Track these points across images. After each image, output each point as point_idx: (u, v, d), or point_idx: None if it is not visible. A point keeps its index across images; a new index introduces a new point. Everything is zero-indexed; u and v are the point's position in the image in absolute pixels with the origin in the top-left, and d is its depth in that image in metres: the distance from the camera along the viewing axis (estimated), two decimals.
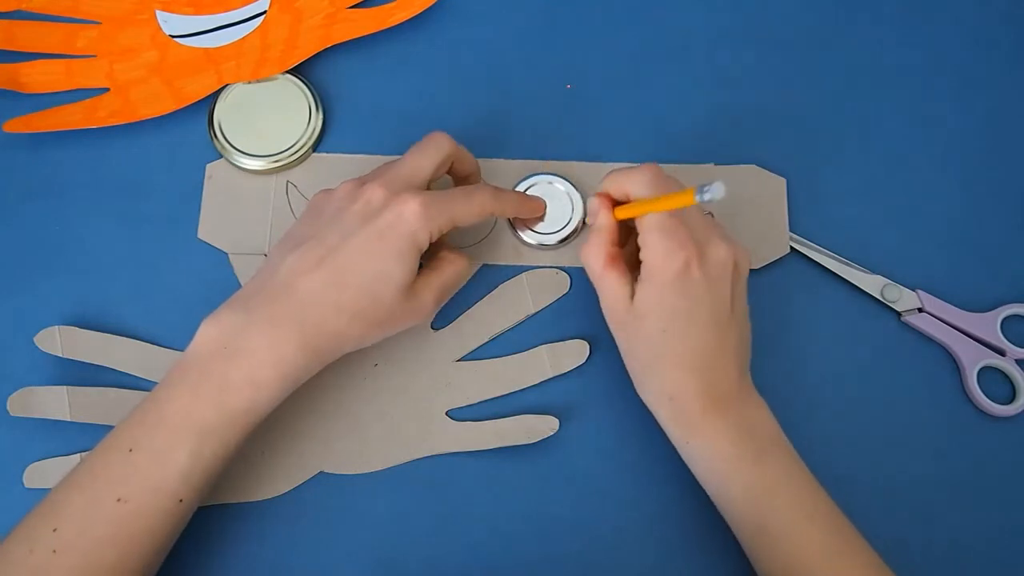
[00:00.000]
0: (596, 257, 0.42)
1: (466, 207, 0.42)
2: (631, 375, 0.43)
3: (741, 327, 0.42)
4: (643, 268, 0.41)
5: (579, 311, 0.49)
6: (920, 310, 0.48)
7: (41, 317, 0.48)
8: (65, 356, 0.47)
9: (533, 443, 0.46)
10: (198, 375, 0.39)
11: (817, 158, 0.52)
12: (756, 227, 0.50)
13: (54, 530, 0.37)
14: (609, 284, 0.42)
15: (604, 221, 0.42)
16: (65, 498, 0.38)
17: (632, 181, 0.41)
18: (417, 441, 0.47)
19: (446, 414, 0.47)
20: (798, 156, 0.51)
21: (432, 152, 0.43)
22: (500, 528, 0.46)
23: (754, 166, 0.51)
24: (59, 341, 0.47)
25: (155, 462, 0.38)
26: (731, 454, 0.41)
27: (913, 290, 0.49)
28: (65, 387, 0.47)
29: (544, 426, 0.46)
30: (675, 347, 0.41)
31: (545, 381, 0.47)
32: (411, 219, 0.40)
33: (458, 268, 0.44)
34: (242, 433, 0.40)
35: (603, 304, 0.43)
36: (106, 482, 0.38)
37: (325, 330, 0.40)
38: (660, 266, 0.40)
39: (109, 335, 0.48)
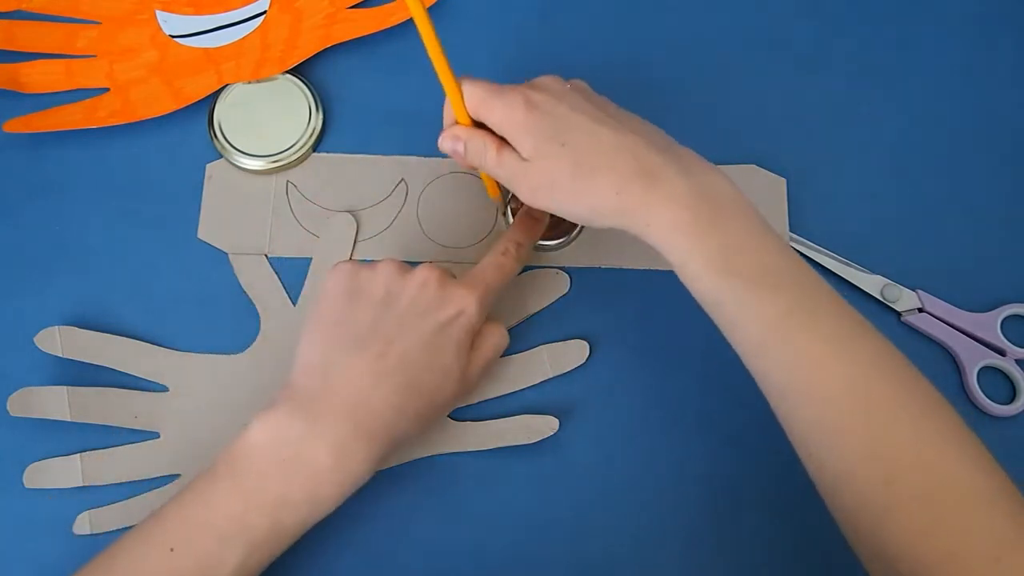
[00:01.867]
0: (487, 150, 0.41)
1: (503, 278, 0.44)
2: (562, 201, 0.40)
3: (631, 120, 0.41)
4: (504, 133, 0.40)
5: (579, 311, 0.49)
6: (920, 310, 0.48)
7: (41, 317, 0.48)
8: (65, 356, 0.47)
9: (533, 443, 0.46)
10: (253, 483, 0.37)
11: (817, 158, 0.52)
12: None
13: None
14: (507, 160, 0.40)
15: (461, 131, 0.42)
16: None
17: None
18: (417, 441, 0.46)
19: (447, 414, 0.47)
20: (798, 156, 0.51)
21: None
22: (500, 528, 0.46)
23: (754, 166, 0.51)
24: (59, 341, 0.47)
25: (200, 566, 0.37)
26: (685, 220, 0.37)
27: (913, 290, 0.49)
28: (65, 387, 0.47)
29: (544, 426, 0.46)
30: (581, 149, 0.39)
31: (545, 381, 0.47)
32: (472, 316, 0.41)
33: (498, 341, 0.44)
34: (292, 542, 0.38)
35: (517, 187, 0.41)
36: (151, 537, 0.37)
37: (389, 436, 0.39)
38: (511, 115, 0.40)
39: (109, 335, 0.48)
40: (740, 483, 0.45)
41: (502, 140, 0.41)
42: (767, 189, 0.50)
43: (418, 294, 0.41)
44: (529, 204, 0.41)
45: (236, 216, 0.50)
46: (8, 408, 0.46)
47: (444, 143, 0.42)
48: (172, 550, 0.37)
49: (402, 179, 0.51)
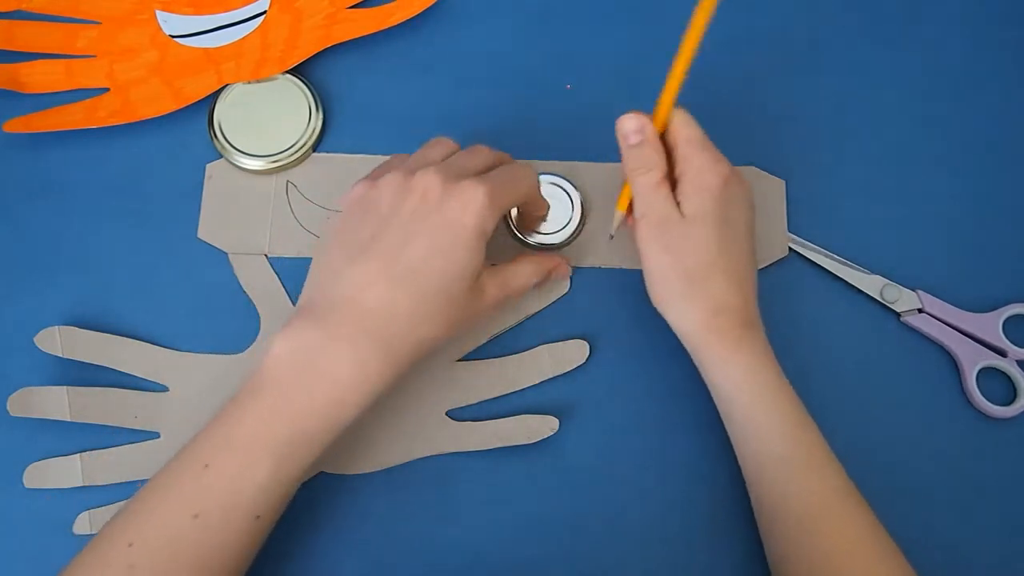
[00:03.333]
0: (652, 170, 0.41)
1: (519, 187, 0.42)
2: (664, 300, 0.43)
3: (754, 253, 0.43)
4: (686, 181, 0.41)
5: (579, 311, 0.49)
6: (920, 311, 0.48)
7: (41, 317, 0.48)
8: (65, 356, 0.47)
9: (533, 443, 0.46)
10: (276, 396, 0.38)
11: (817, 158, 0.52)
12: (756, 228, 0.49)
13: (129, 545, 0.37)
14: (664, 196, 0.41)
15: (651, 133, 0.42)
16: (139, 514, 0.38)
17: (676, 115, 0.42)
18: (417, 441, 0.46)
19: (446, 414, 0.47)
20: (798, 156, 0.51)
21: (483, 156, 0.43)
22: (500, 528, 0.46)
23: (753, 167, 0.51)
24: (59, 341, 0.47)
25: (232, 481, 0.37)
26: (773, 375, 0.41)
27: (913, 290, 0.49)
28: (65, 387, 0.47)
29: (544, 426, 0.46)
30: (726, 257, 0.41)
31: (545, 381, 0.47)
32: (480, 208, 0.39)
33: (521, 265, 0.44)
34: (321, 450, 0.39)
35: (649, 221, 0.41)
36: (180, 499, 0.37)
37: (407, 341, 0.39)
38: (708, 177, 0.41)
39: (109, 335, 0.48)
40: (739, 483, 0.45)
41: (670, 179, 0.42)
42: (766, 191, 0.50)
43: (422, 197, 0.39)
44: (640, 250, 0.42)
45: (236, 216, 0.50)
46: (8, 408, 0.46)
47: (629, 122, 0.42)
48: (206, 466, 0.37)
49: None
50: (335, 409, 0.38)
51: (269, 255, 0.50)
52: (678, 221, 0.41)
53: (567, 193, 0.50)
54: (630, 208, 0.45)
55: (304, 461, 0.38)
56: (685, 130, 0.41)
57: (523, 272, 0.43)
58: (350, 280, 0.39)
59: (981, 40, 0.54)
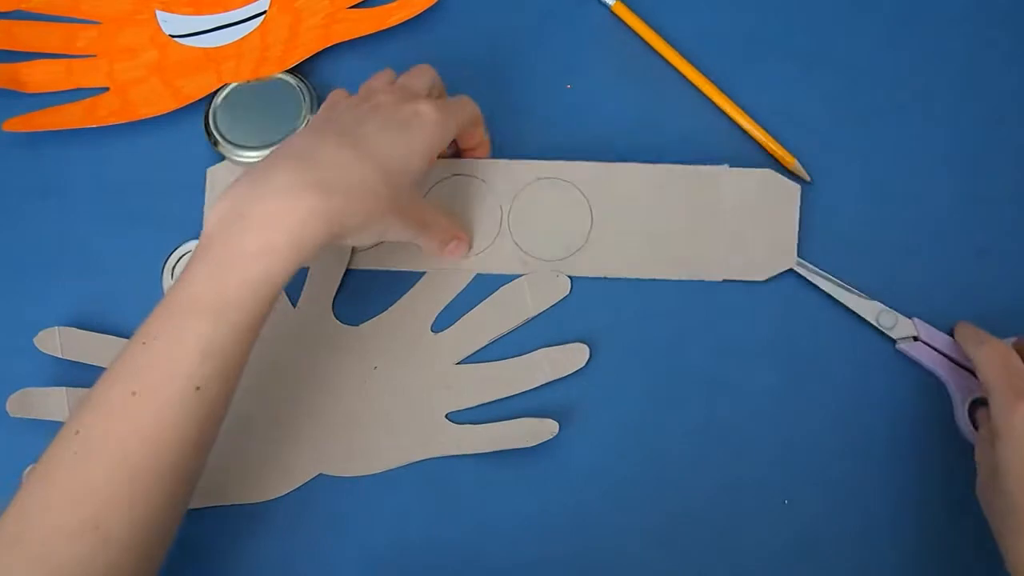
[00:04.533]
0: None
1: (465, 108, 0.45)
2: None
3: None
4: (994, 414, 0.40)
5: (579, 314, 0.49)
6: (915, 339, 0.47)
7: (40, 317, 0.48)
8: (64, 357, 0.47)
9: (533, 446, 0.46)
10: (212, 251, 0.37)
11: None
12: (766, 234, 0.48)
13: (76, 432, 0.36)
14: None
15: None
16: (86, 400, 0.37)
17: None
18: (417, 444, 0.46)
19: (446, 417, 0.47)
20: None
21: (429, 75, 0.45)
22: (499, 531, 0.46)
23: (770, 170, 0.49)
24: (59, 342, 0.47)
25: (170, 348, 0.36)
26: None
27: (909, 318, 0.47)
28: (65, 388, 0.47)
29: (544, 429, 0.46)
30: None
31: (545, 384, 0.47)
32: (430, 117, 0.41)
33: (443, 224, 0.46)
34: (259, 307, 0.37)
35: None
36: (122, 377, 0.36)
37: (346, 200, 0.38)
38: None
39: (109, 336, 0.48)
40: (740, 486, 0.45)
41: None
42: (780, 194, 0.49)
43: (375, 105, 0.42)
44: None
45: None
46: (7, 409, 0.46)
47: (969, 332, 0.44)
48: (144, 343, 0.36)
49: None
50: (267, 258, 0.36)
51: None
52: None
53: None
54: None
55: (242, 320, 0.36)
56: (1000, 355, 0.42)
57: (438, 223, 0.45)
58: (299, 142, 0.40)
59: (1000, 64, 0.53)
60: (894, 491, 0.46)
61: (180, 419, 0.36)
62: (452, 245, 0.47)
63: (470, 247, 0.48)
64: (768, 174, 0.49)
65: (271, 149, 0.50)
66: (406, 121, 0.41)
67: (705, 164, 0.50)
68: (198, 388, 0.36)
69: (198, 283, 0.37)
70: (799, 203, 0.49)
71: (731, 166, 0.49)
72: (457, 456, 0.46)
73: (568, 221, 0.49)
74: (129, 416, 0.36)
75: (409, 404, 0.47)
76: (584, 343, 0.47)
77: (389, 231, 0.41)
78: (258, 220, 0.37)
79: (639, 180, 0.49)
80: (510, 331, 0.48)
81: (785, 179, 0.49)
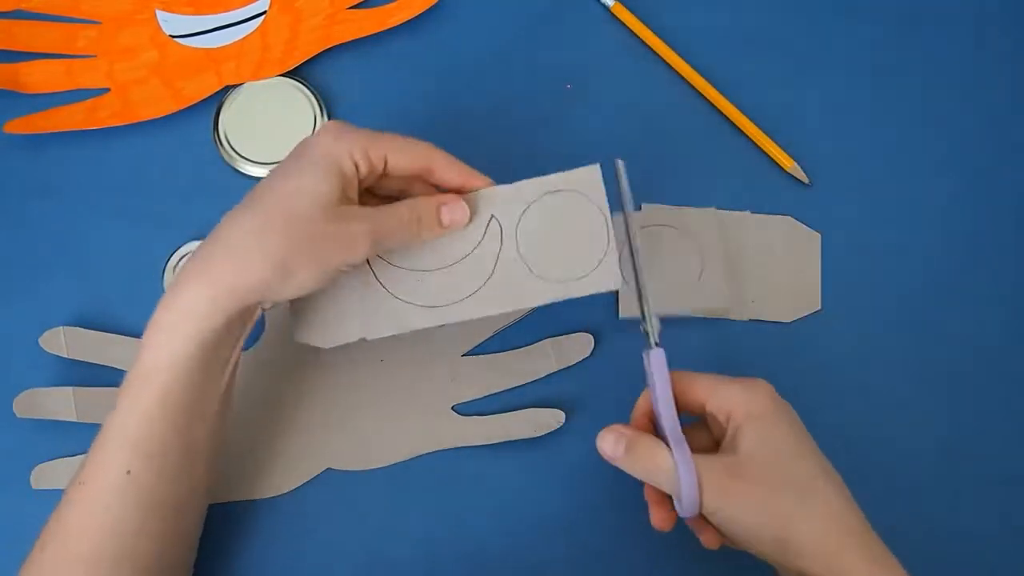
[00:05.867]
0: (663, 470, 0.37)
1: (382, 136, 0.40)
2: (755, 539, 0.36)
3: None
4: (736, 413, 0.38)
5: (584, 304, 0.49)
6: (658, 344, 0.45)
7: (42, 317, 0.48)
8: (69, 357, 0.47)
9: (536, 438, 0.46)
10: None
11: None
12: (788, 280, 0.50)
13: (46, 524, 0.38)
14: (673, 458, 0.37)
15: (629, 440, 0.38)
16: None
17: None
18: (423, 436, 0.47)
19: (452, 408, 0.47)
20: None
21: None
22: (506, 522, 0.46)
23: (790, 218, 0.51)
24: (64, 342, 0.47)
25: (103, 437, 0.37)
26: None
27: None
28: (71, 388, 0.46)
29: (551, 419, 0.46)
30: (820, 465, 0.37)
31: (550, 375, 0.48)
32: (323, 139, 0.39)
33: (402, 212, 0.40)
34: (161, 388, 0.37)
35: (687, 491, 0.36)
36: (81, 469, 0.38)
37: (238, 260, 0.37)
38: (756, 399, 0.38)
39: (113, 335, 0.48)
40: None
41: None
42: (802, 243, 0.50)
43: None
44: (715, 504, 0.36)
45: (324, 305, 0.44)
46: (14, 410, 0.46)
47: (605, 444, 0.39)
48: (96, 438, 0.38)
49: (492, 216, 0.43)
50: (164, 337, 0.37)
51: (368, 339, 0.43)
52: (735, 460, 0.37)
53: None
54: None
55: (150, 400, 0.37)
56: (705, 386, 0.39)
57: (395, 213, 0.40)
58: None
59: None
60: (897, 491, 0.47)
61: (117, 506, 0.37)
62: (444, 216, 0.42)
63: (465, 209, 0.42)
64: (787, 221, 0.51)
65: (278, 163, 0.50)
66: (296, 156, 0.39)
67: (701, 166, 0.51)
68: (128, 472, 0.37)
69: (130, 376, 0.38)
70: (820, 249, 0.50)
71: (729, 170, 0.51)
72: (460, 449, 0.47)
73: (596, 239, 0.44)
74: (74, 510, 0.37)
75: (415, 397, 0.47)
76: (589, 333, 0.48)
77: (322, 263, 0.38)
78: (165, 307, 0.37)
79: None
80: (515, 322, 0.49)
81: (804, 227, 0.51)
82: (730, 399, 0.38)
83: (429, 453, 0.47)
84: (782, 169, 0.52)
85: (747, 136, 0.52)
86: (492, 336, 0.49)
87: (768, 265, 0.50)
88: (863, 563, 0.35)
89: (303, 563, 0.46)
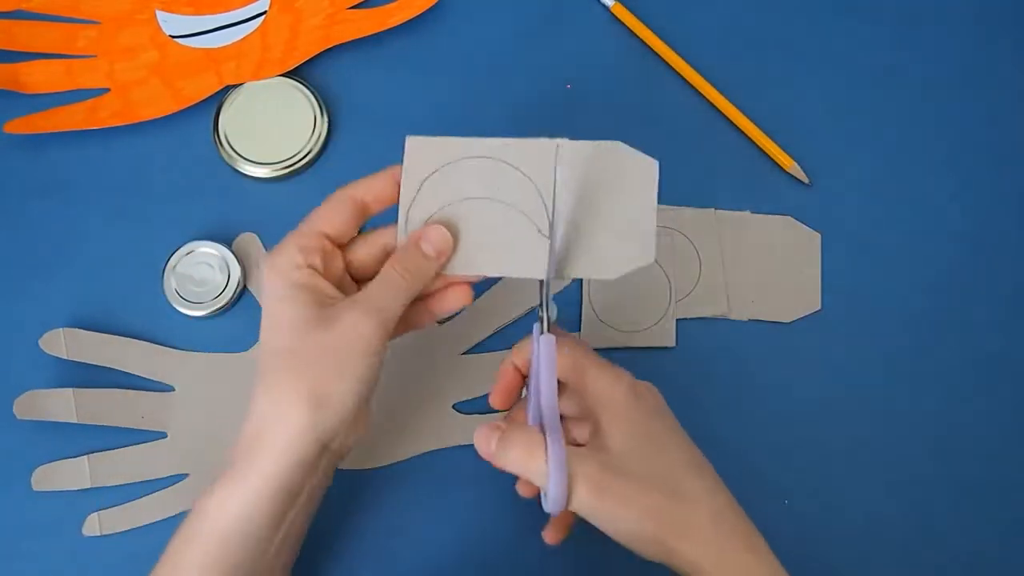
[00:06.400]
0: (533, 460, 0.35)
1: (326, 210, 0.38)
2: (635, 539, 0.36)
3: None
4: (600, 405, 0.37)
5: (583, 303, 0.50)
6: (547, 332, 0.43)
7: (42, 317, 0.48)
8: (70, 358, 0.47)
9: None
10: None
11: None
12: (788, 280, 0.50)
13: None
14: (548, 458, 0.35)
15: (505, 436, 0.36)
16: None
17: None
18: (424, 435, 0.47)
19: (453, 407, 0.47)
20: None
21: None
22: (507, 522, 0.46)
23: (790, 218, 0.51)
24: (64, 343, 0.47)
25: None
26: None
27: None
28: (71, 389, 0.46)
29: None
30: (691, 458, 0.37)
31: None
32: (267, 274, 0.37)
33: (390, 274, 0.37)
34: (204, 558, 0.35)
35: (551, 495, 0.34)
36: None
37: (267, 427, 0.35)
38: (624, 392, 0.37)
39: (113, 336, 0.48)
40: (742, 479, 0.46)
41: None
42: (802, 242, 0.50)
43: None
44: (591, 503, 0.35)
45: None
46: (14, 411, 0.46)
47: (480, 443, 0.36)
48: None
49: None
50: (196, 509, 0.36)
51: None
52: (606, 458, 0.35)
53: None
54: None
55: (191, 560, 0.36)
56: (568, 363, 0.37)
57: (385, 280, 0.37)
58: None
59: None
60: (895, 491, 0.47)
61: None
62: (427, 248, 0.38)
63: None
64: (787, 221, 0.50)
65: (283, 168, 0.51)
66: (263, 283, 0.38)
67: (701, 166, 0.51)
68: None
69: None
70: (820, 249, 0.50)
71: (729, 170, 0.51)
72: (465, 446, 0.47)
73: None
74: None
75: (416, 395, 0.48)
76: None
77: (348, 382, 0.36)
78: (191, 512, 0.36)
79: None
80: (515, 320, 0.49)
81: (804, 226, 0.51)
82: (597, 387, 0.37)
83: (429, 452, 0.47)
84: (782, 169, 0.52)
85: (747, 136, 0.52)
86: (493, 334, 0.49)
87: (768, 265, 0.50)
88: (742, 549, 0.36)
89: (303, 562, 0.45)
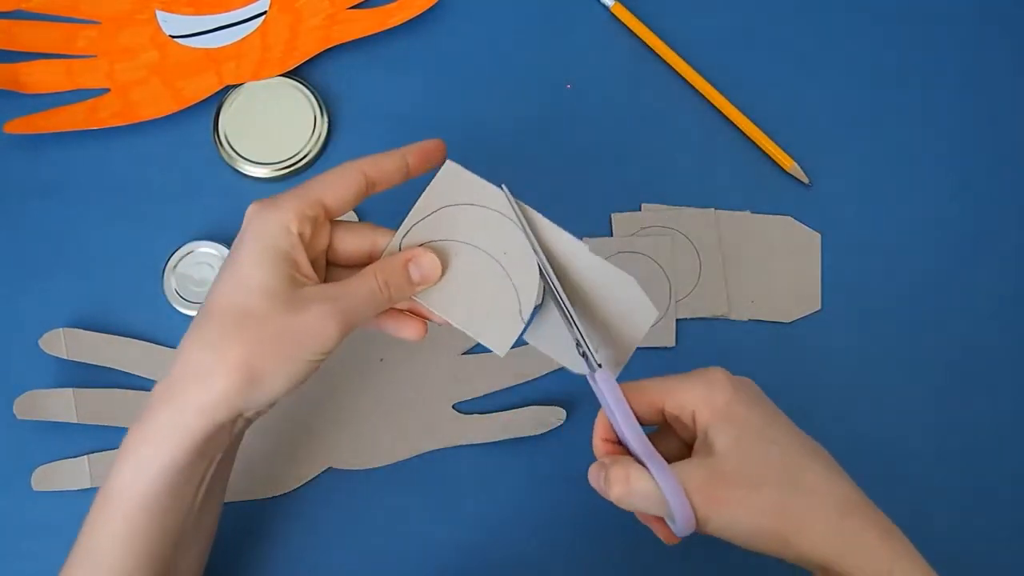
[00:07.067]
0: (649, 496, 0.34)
1: (327, 180, 0.37)
2: (754, 537, 0.34)
3: None
4: (700, 413, 0.36)
5: None
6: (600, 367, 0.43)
7: (42, 318, 0.48)
8: (70, 358, 0.47)
9: (536, 437, 0.46)
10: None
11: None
12: (788, 280, 0.50)
13: None
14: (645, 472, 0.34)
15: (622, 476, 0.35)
16: None
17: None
18: (424, 435, 0.47)
19: (453, 407, 0.48)
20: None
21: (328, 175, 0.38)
22: (507, 521, 0.46)
23: (790, 218, 0.51)
24: (64, 343, 0.47)
25: (67, 561, 0.37)
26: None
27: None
28: (71, 389, 0.47)
29: (552, 417, 0.47)
30: (802, 446, 0.36)
31: (550, 372, 0.48)
32: (251, 223, 0.35)
33: (369, 280, 0.36)
34: (127, 517, 0.35)
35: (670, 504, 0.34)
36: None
37: (201, 378, 0.34)
38: (722, 391, 0.36)
39: (113, 336, 0.48)
40: None
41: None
42: (802, 243, 0.50)
43: None
44: (703, 514, 0.34)
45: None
46: (14, 411, 0.46)
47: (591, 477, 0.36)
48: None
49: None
50: (120, 461, 0.35)
51: None
52: (713, 463, 0.34)
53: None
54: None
55: (112, 524, 0.36)
56: (656, 389, 0.36)
57: (363, 283, 0.36)
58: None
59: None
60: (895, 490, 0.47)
61: None
62: (414, 273, 0.37)
63: (433, 259, 0.38)
64: (787, 221, 0.51)
65: (283, 168, 0.51)
66: (234, 248, 0.36)
67: (701, 166, 0.51)
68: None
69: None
70: (820, 249, 0.50)
71: (729, 170, 0.51)
72: (465, 446, 0.47)
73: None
74: None
75: (416, 395, 0.48)
76: None
77: (292, 362, 0.35)
78: (129, 429, 0.36)
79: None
80: None
81: (804, 227, 0.51)
82: (691, 398, 0.36)
83: (430, 452, 0.47)
84: (782, 169, 0.52)
85: (747, 136, 0.52)
86: None
87: (768, 265, 0.50)
88: (875, 538, 0.34)
89: (304, 562, 0.46)
